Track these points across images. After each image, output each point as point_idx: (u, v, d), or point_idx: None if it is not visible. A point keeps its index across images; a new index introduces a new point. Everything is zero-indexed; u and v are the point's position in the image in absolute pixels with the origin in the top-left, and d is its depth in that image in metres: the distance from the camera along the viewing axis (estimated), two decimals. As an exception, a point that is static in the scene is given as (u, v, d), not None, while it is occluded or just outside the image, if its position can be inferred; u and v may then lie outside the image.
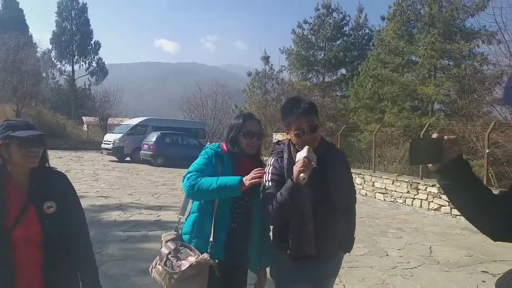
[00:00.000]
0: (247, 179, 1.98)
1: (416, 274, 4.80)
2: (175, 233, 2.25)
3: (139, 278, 4.23)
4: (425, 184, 9.25)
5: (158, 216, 7.50)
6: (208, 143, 2.24)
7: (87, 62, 40.15)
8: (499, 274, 4.77)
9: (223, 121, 33.72)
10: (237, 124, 2.27)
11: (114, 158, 20.03)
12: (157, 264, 2.14)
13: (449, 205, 8.45)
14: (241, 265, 2.24)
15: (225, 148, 2.26)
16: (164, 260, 2.08)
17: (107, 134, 22.20)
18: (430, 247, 6.13)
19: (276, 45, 32.44)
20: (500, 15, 9.98)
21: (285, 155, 2.05)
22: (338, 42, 27.99)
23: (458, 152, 1.22)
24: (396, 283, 4.44)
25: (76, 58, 39.49)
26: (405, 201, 9.72)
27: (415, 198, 9.48)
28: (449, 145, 1.22)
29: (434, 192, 8.91)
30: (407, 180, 9.84)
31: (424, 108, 19.77)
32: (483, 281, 4.63)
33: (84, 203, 8.78)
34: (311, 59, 27.77)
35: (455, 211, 8.26)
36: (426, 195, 9.15)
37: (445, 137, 1.22)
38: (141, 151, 18.98)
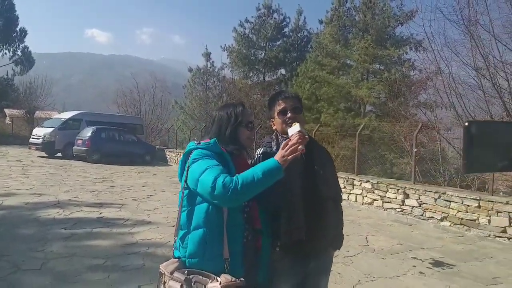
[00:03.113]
0: (285, 156, 1.71)
1: (355, 262, 5.21)
2: (176, 260, 1.85)
3: (89, 274, 4.12)
4: (360, 180, 9.90)
5: (101, 213, 7.25)
6: (195, 142, 1.91)
7: (11, 50, 36.88)
8: (426, 259, 5.36)
9: (161, 117, 32.97)
10: (235, 114, 1.98)
11: (44, 154, 18.80)
12: None
13: (381, 200, 9.16)
14: (254, 281, 1.93)
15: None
16: None
17: (36, 128, 20.70)
18: (366, 237, 6.65)
19: (217, 42, 32.45)
20: (429, 26, 11.11)
21: (274, 145, 2.11)
22: (278, 43, 28.68)
23: None
24: (339, 269, 4.79)
25: (-1, 45, 36.15)
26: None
27: (350, 193, 10.11)
28: None
29: (368, 188, 9.58)
30: (343, 176, 10.44)
31: (357, 109, 20.98)
32: (413, 266, 5.15)
33: (17, 200, 8.27)
34: (252, 58, 28.20)
35: (386, 205, 8.99)
36: (361, 190, 9.80)
37: None
38: (74, 147, 18.01)
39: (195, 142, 1.94)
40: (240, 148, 1.98)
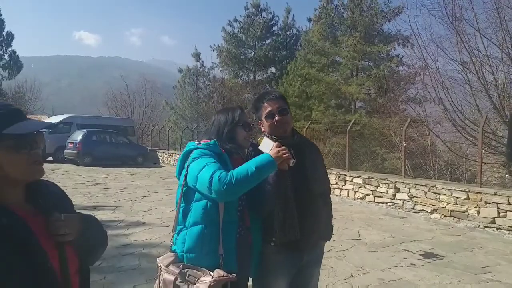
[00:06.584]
0: (279, 152, 1.82)
1: (348, 255, 5.31)
2: (172, 254, 1.91)
3: (85, 276, 4.15)
4: (351, 176, 10.03)
5: (94, 216, 7.24)
6: (196, 142, 1.96)
7: (-2, 55, 36.50)
8: (417, 251, 5.47)
9: (152, 118, 32.85)
10: (233, 116, 2.05)
11: (35, 158, 18.66)
12: None
13: (372, 194, 9.29)
14: (247, 276, 2.03)
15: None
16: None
17: (25, 133, 20.56)
18: (358, 231, 6.75)
19: (206, 42, 32.44)
20: (415, 22, 11.33)
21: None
22: (267, 42, 28.67)
23: None
24: (332, 263, 4.88)
25: (-15, 50, 35.74)
26: (333, 192, 10.42)
27: (342, 189, 10.23)
28: None
29: (359, 183, 9.71)
30: (335, 172, 10.56)
31: (348, 106, 21.12)
32: (404, 258, 5.26)
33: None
34: (241, 57, 28.18)
35: (378, 200, 9.12)
36: (352, 186, 9.93)
37: None
38: (66, 150, 18.00)
39: (196, 142, 2.00)
40: (237, 148, 2.03)
